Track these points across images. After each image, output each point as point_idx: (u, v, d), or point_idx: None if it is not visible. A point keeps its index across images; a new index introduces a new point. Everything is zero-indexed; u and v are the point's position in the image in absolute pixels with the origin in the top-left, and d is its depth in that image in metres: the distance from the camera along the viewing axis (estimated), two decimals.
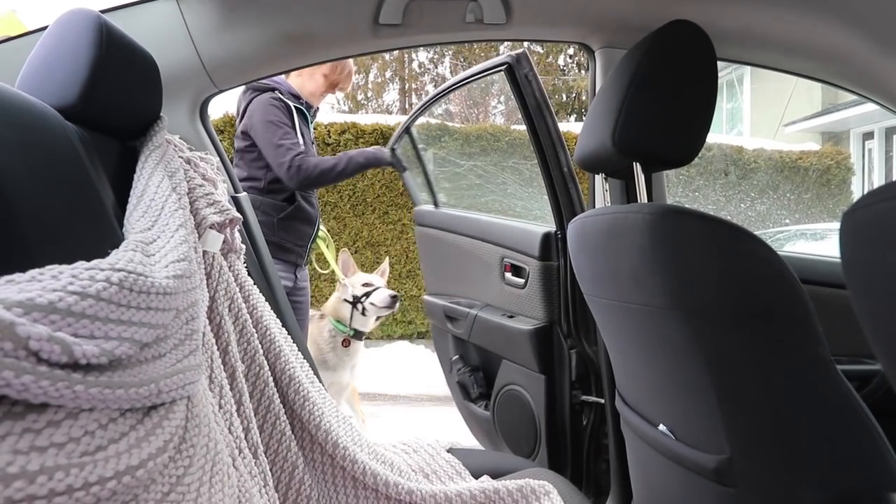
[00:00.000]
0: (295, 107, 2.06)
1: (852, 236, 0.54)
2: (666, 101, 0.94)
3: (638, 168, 1.00)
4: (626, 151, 0.95)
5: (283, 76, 2.08)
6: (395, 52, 15.84)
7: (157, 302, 0.61)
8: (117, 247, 0.67)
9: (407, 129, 2.21)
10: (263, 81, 2.00)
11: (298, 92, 2.13)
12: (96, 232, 0.76)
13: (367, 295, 2.42)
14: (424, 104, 2.20)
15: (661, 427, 1.02)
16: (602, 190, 1.30)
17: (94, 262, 0.57)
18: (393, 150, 2.26)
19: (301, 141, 2.02)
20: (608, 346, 1.18)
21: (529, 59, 1.50)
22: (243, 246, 1.15)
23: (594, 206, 1.47)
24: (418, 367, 4.70)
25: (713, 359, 0.84)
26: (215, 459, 0.70)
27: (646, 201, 1.02)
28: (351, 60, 2.09)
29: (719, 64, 1.00)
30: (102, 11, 0.93)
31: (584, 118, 1.14)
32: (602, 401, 1.58)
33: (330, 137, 5.41)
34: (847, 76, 1.35)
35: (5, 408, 0.44)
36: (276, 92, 2.03)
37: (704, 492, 0.94)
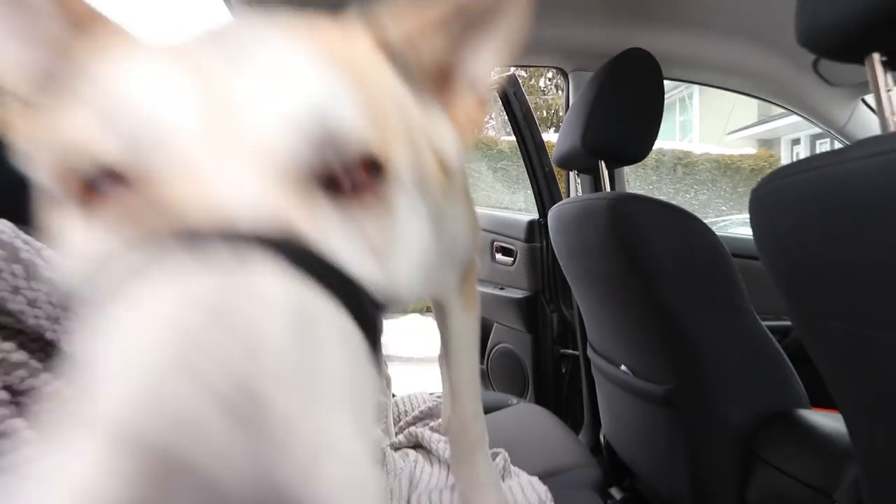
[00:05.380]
0: None
1: (758, 209, 0.59)
2: (623, 112, 1.00)
3: (602, 165, 1.05)
4: (592, 151, 1.01)
5: None
6: None
7: None
8: None
9: None
10: None
11: None
12: None
13: None
14: None
15: (623, 367, 1.09)
16: (575, 183, 1.35)
17: None
18: None
19: None
20: (581, 308, 1.24)
21: (517, 81, 1.55)
22: None
23: (570, 197, 1.53)
24: (428, 334, 4.74)
25: (662, 311, 0.90)
26: None
27: (609, 191, 1.08)
28: None
29: (673, 84, 1.05)
30: None
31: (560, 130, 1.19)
32: (577, 353, 1.64)
33: None
34: (772, 91, 1.40)
35: None
36: None
37: (655, 415, 1.01)
